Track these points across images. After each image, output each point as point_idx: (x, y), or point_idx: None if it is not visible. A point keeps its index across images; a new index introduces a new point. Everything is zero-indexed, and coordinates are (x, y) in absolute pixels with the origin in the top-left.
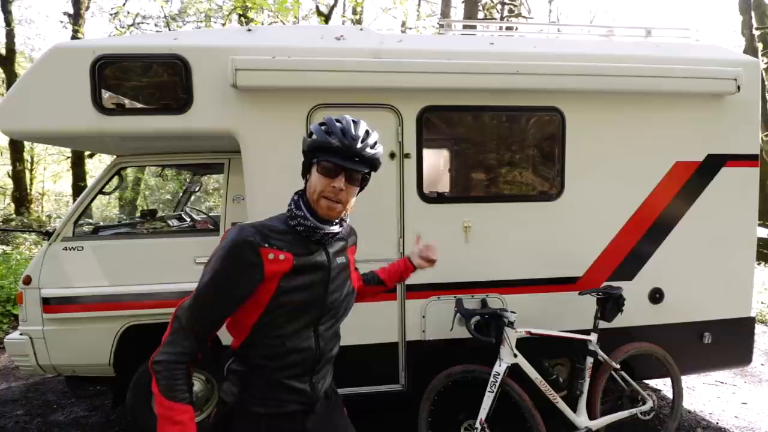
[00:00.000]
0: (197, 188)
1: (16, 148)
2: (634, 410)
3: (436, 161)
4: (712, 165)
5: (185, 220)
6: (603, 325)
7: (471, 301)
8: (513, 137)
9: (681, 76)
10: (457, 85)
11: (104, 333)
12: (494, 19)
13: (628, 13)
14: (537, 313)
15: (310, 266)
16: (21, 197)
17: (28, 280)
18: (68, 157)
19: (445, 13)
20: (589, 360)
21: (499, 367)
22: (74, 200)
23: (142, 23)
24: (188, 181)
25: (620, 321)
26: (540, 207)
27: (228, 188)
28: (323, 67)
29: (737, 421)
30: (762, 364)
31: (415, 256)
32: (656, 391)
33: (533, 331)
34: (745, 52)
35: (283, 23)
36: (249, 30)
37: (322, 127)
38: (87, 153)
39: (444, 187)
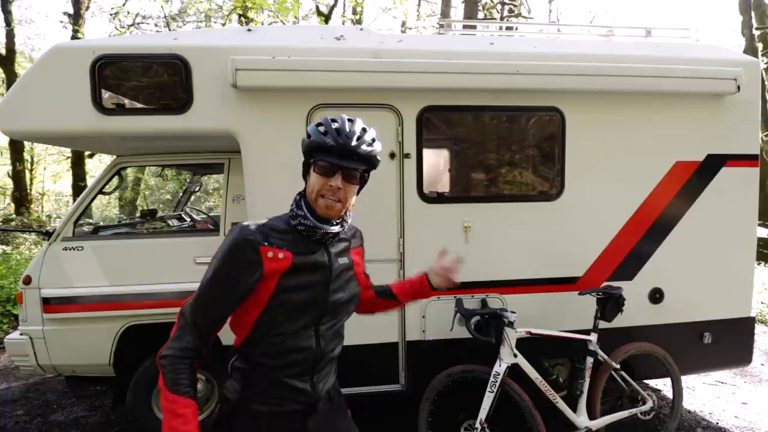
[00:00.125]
0: (197, 188)
1: (16, 148)
2: (634, 410)
3: (436, 161)
4: (712, 165)
5: (185, 220)
6: (603, 325)
7: (471, 301)
8: (513, 137)
9: (681, 76)
10: (457, 85)
11: (104, 333)
12: (494, 19)
13: (628, 13)
14: (537, 313)
15: (310, 265)
16: (21, 197)
17: (28, 280)
18: (68, 157)
19: (445, 13)
20: (589, 360)
21: (499, 367)
22: (74, 200)
23: (142, 23)
24: (188, 181)
25: (620, 321)
26: (540, 207)
27: (228, 188)
28: (323, 67)
29: (737, 421)
30: (762, 364)
31: (435, 274)
32: (656, 391)
33: (533, 331)
34: (745, 52)
35: (283, 23)
36: (249, 30)
37: (319, 128)
38: (87, 153)
39: (444, 187)
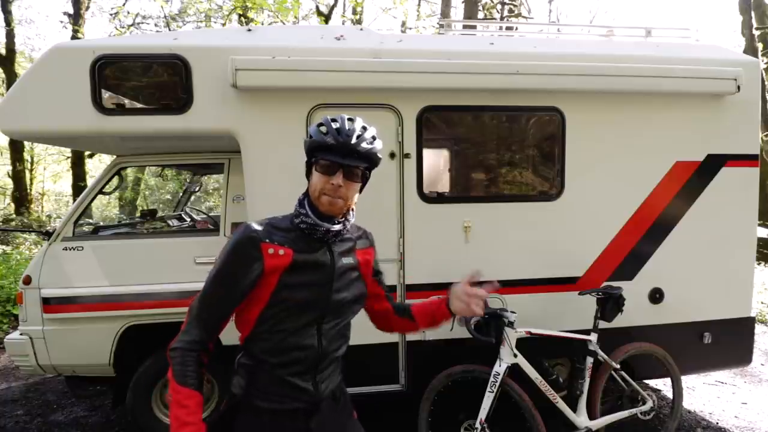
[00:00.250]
0: (197, 188)
1: (16, 148)
2: (634, 410)
3: (436, 161)
4: (712, 165)
5: (185, 220)
6: (603, 325)
7: None
8: (513, 137)
9: (681, 76)
10: (457, 85)
11: (104, 333)
12: (494, 19)
13: (628, 13)
14: (537, 313)
15: (311, 264)
16: (21, 197)
17: (28, 280)
18: (68, 157)
19: (445, 13)
20: (589, 360)
21: (499, 367)
22: (74, 200)
23: (142, 23)
24: (188, 181)
25: (620, 321)
26: (540, 207)
27: (228, 188)
28: (323, 67)
29: (737, 421)
30: (762, 364)
31: (457, 298)
32: (656, 391)
33: (533, 331)
34: (745, 52)
35: (283, 23)
36: (249, 30)
37: (320, 128)
38: (87, 153)
39: (444, 187)
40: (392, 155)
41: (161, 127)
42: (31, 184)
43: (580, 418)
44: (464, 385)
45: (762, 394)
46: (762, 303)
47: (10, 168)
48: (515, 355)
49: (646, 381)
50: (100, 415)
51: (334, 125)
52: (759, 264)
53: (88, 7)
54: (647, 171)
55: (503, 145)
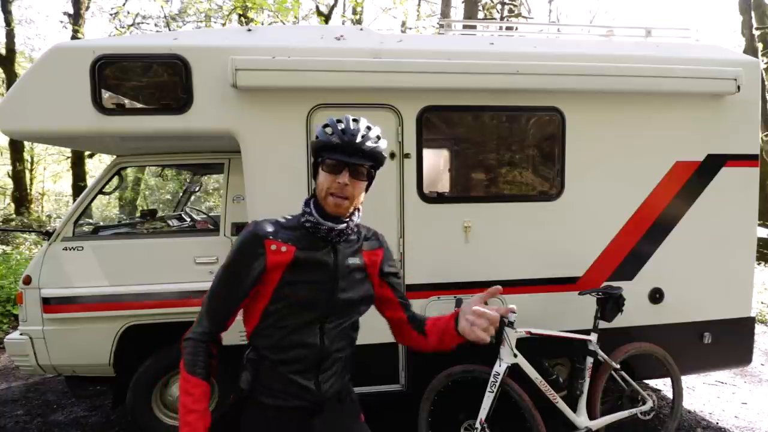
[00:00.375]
0: (197, 188)
1: (16, 148)
2: (634, 410)
3: (436, 161)
4: (712, 165)
5: (185, 220)
6: (603, 325)
7: None
8: (513, 137)
9: (681, 76)
10: (457, 85)
11: (104, 333)
12: (494, 19)
13: (628, 13)
14: (537, 313)
15: (314, 262)
16: (21, 197)
17: (28, 280)
18: (68, 157)
19: (445, 13)
20: (589, 360)
21: (499, 367)
22: (74, 200)
23: (142, 23)
24: (188, 181)
25: (620, 321)
26: (540, 207)
27: (228, 188)
28: (323, 67)
29: (737, 421)
30: (762, 364)
31: (465, 318)
32: (656, 391)
33: (533, 331)
34: (745, 52)
35: (283, 23)
36: (249, 30)
37: (325, 128)
38: (87, 153)
39: (444, 187)
40: (392, 155)
41: (161, 127)
42: (31, 184)
43: (580, 418)
44: (464, 385)
45: (762, 394)
46: (762, 303)
47: (10, 168)
48: (515, 355)
49: (646, 381)
50: (100, 415)
51: (339, 125)
52: (759, 264)
53: (88, 7)
54: (647, 171)
55: (503, 145)
